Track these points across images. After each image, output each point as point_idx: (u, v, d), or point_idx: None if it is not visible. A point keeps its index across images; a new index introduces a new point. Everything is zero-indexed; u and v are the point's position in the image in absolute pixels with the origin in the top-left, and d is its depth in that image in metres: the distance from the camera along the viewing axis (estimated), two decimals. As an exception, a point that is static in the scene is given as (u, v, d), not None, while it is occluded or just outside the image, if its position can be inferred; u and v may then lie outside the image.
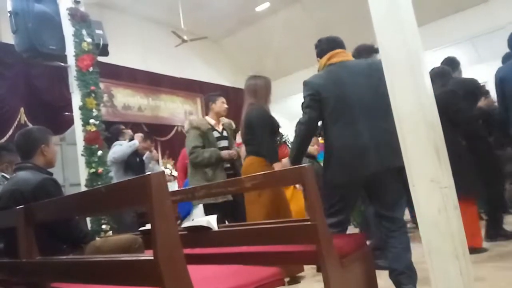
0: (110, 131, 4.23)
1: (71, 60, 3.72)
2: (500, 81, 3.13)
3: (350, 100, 2.11)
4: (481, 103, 3.28)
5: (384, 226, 2.13)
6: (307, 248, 1.58)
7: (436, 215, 1.70)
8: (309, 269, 2.95)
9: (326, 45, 2.32)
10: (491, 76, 3.32)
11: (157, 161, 6.38)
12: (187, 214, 4.07)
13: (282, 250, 1.72)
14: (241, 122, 2.99)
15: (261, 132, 2.84)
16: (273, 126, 2.94)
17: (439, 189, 1.70)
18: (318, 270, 2.30)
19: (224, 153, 3.18)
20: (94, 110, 3.65)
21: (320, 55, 2.34)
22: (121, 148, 4.18)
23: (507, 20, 6.73)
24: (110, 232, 3.46)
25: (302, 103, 2.25)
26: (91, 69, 3.69)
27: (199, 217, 3.16)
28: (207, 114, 3.43)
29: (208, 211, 3.10)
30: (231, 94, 9.32)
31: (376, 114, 2.08)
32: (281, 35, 8.45)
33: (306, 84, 2.24)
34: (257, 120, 2.87)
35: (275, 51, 8.66)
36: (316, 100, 2.17)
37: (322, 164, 2.63)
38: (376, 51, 2.74)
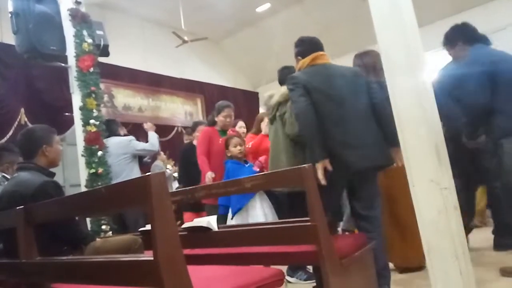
0: (108, 124, 4.04)
1: (71, 61, 3.72)
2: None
3: (335, 100, 2.17)
4: None
5: (362, 227, 2.18)
6: (308, 248, 1.58)
7: (436, 215, 1.71)
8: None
9: (310, 46, 2.35)
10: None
11: (163, 161, 6.37)
12: (239, 208, 3.08)
13: (282, 251, 1.72)
14: None
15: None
16: None
17: (439, 189, 1.70)
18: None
19: None
20: (94, 110, 3.65)
21: (302, 54, 2.35)
22: (154, 140, 4.05)
23: (507, 22, 6.74)
24: (110, 232, 3.46)
25: (291, 96, 2.22)
26: (91, 69, 3.69)
27: (257, 211, 2.94)
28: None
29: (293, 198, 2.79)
30: (231, 95, 9.34)
31: (358, 115, 2.18)
32: (282, 36, 8.44)
33: (292, 78, 2.25)
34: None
35: (276, 52, 8.64)
36: (306, 91, 2.15)
37: None
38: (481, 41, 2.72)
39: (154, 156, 6.05)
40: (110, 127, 3.99)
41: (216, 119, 3.56)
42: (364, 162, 2.11)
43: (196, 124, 4.44)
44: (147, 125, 4.32)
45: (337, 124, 2.14)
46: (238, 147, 3.14)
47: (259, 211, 2.95)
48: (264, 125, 3.57)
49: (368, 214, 2.18)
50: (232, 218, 2.99)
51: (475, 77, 2.59)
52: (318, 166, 2.02)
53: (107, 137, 3.85)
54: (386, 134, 2.20)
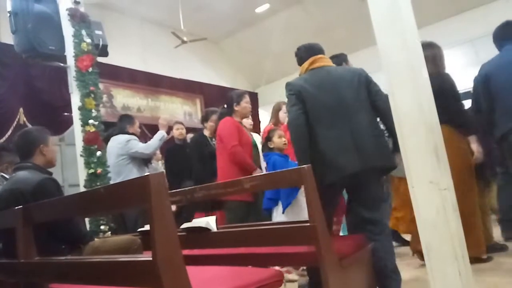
0: (120, 119, 4.03)
1: (70, 61, 3.71)
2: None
3: (331, 103, 2.18)
4: None
5: (367, 229, 2.11)
6: (307, 249, 1.58)
7: (435, 216, 1.71)
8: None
9: (305, 53, 2.40)
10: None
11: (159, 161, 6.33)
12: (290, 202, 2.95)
13: (281, 252, 1.72)
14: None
15: (454, 100, 2.66)
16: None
17: (438, 190, 1.70)
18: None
19: None
20: (93, 110, 3.64)
21: (299, 62, 2.42)
22: (153, 142, 3.90)
23: (506, 23, 6.74)
24: (109, 233, 3.45)
25: (287, 104, 2.31)
26: (90, 69, 3.68)
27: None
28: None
29: None
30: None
31: (357, 116, 2.16)
32: (281, 36, 8.44)
33: (288, 85, 2.31)
34: (450, 87, 2.70)
35: (275, 52, 8.65)
36: (299, 99, 2.21)
37: None
38: None
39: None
40: (119, 124, 3.96)
41: (236, 108, 3.20)
42: (359, 164, 2.08)
43: (209, 113, 3.92)
44: (160, 122, 4.10)
45: (331, 127, 2.15)
46: (283, 139, 2.99)
47: None
48: (283, 114, 3.52)
49: (372, 216, 2.12)
50: (283, 212, 2.89)
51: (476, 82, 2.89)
52: None
53: (116, 134, 3.81)
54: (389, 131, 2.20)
